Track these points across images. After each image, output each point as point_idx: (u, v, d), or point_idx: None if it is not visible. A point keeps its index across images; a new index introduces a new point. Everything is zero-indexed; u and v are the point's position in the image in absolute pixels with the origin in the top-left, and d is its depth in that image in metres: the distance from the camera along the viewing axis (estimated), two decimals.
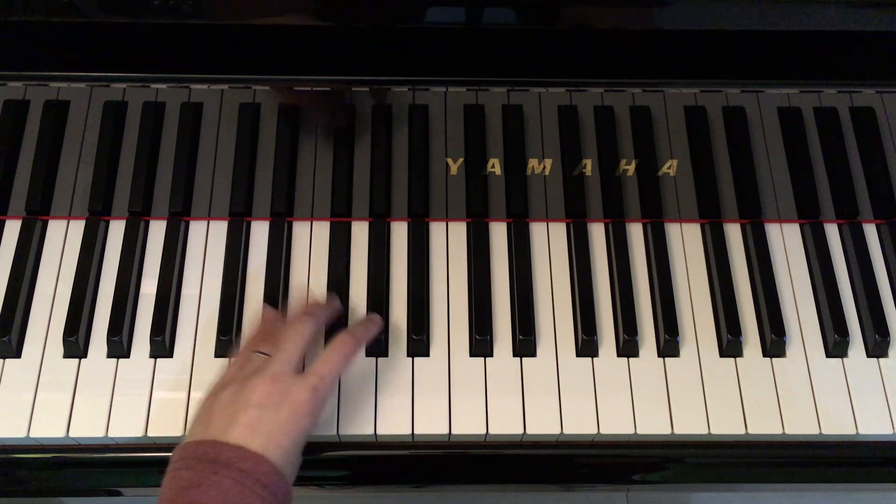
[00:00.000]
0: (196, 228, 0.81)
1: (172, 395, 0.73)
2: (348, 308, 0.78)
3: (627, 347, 0.76)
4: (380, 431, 0.72)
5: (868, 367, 0.77)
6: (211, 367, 0.74)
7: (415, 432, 0.72)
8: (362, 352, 0.75)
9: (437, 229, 0.82)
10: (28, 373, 0.74)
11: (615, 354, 0.76)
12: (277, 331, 0.70)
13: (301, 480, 0.65)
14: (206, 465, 0.60)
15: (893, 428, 0.74)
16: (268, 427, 0.62)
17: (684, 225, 0.83)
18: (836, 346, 0.77)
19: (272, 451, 0.61)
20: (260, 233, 0.81)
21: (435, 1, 0.67)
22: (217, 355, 0.75)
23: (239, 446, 0.60)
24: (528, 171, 0.78)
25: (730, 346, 0.77)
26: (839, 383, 0.76)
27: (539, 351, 0.76)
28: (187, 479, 0.59)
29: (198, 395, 0.73)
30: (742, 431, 0.73)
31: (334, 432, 0.72)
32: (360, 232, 0.81)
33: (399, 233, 0.81)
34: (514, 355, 0.76)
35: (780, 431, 0.73)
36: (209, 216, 0.81)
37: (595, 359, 0.76)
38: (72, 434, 0.71)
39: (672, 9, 0.67)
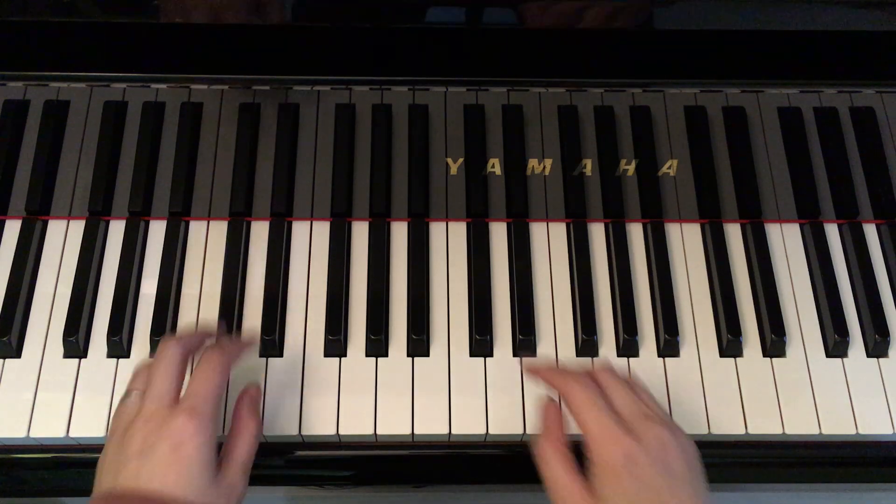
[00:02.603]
0: (196, 228, 0.81)
1: None
2: (349, 308, 0.78)
3: (627, 347, 0.76)
4: (380, 431, 0.72)
5: (868, 367, 0.77)
6: None
7: (415, 432, 0.72)
8: (360, 353, 0.75)
9: (437, 229, 0.82)
10: (28, 373, 0.74)
11: (615, 354, 0.76)
12: (148, 366, 0.65)
13: (301, 480, 0.65)
14: None
15: (893, 428, 0.74)
16: (149, 472, 0.58)
17: (684, 225, 0.83)
18: (836, 346, 0.77)
19: (171, 488, 0.57)
20: (260, 233, 0.81)
21: (435, 1, 0.67)
22: None
23: (141, 496, 0.57)
24: (528, 171, 0.78)
25: (730, 346, 0.77)
26: (839, 383, 0.76)
27: (539, 351, 0.76)
28: None
29: None
30: (742, 431, 0.73)
31: (334, 432, 0.72)
32: (360, 232, 0.81)
33: (399, 233, 0.81)
34: (515, 355, 0.76)
35: (780, 431, 0.73)
36: (209, 216, 0.81)
37: (595, 359, 0.76)
38: (72, 434, 0.71)
39: (672, 9, 0.67)
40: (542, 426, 0.67)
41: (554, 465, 0.63)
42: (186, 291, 0.78)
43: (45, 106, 0.75)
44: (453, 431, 0.72)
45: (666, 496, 0.58)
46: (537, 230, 0.82)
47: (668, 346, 0.76)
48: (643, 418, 0.62)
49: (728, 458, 0.75)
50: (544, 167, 0.78)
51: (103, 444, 0.72)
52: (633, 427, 0.61)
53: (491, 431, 0.72)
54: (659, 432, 0.61)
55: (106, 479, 0.60)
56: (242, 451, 0.64)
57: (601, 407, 0.63)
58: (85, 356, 0.75)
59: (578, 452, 0.63)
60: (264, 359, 0.75)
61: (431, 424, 0.72)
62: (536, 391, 0.74)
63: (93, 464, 0.73)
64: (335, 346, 0.75)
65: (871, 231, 0.83)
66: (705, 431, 0.73)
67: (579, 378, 0.65)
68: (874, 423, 0.74)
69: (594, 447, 0.61)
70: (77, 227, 0.80)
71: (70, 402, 0.72)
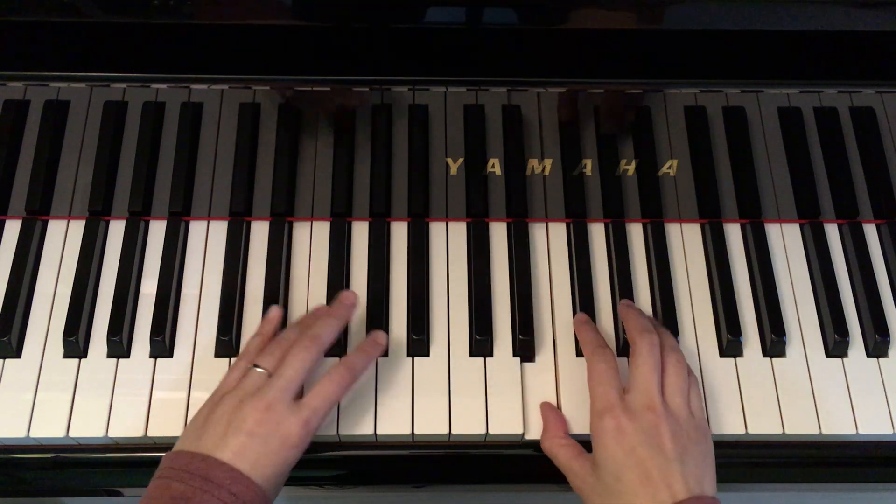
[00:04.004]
0: (196, 228, 0.81)
1: (172, 395, 0.73)
2: None
3: (627, 347, 0.76)
4: (380, 431, 0.72)
5: (868, 367, 0.77)
6: (211, 367, 0.74)
7: (415, 432, 0.72)
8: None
9: (437, 229, 0.82)
10: (28, 373, 0.74)
11: (615, 354, 0.76)
12: (281, 344, 0.68)
13: (301, 480, 0.65)
14: (197, 481, 0.60)
15: (893, 428, 0.74)
16: (255, 455, 0.62)
17: (684, 225, 0.83)
18: (836, 346, 0.77)
19: (260, 476, 0.61)
20: (260, 233, 0.81)
21: (435, 1, 0.67)
22: (217, 355, 0.75)
23: (232, 468, 0.61)
24: (528, 171, 0.78)
25: (730, 346, 0.77)
26: (839, 383, 0.76)
27: (539, 351, 0.76)
28: (178, 491, 0.59)
29: (198, 394, 0.73)
30: (742, 431, 0.73)
31: (334, 432, 0.72)
32: (360, 232, 0.81)
33: (399, 233, 0.81)
34: (515, 355, 0.76)
35: (780, 431, 0.73)
36: (209, 216, 0.81)
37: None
38: (72, 434, 0.71)
39: (672, 9, 0.67)
40: (543, 427, 0.73)
41: (559, 454, 0.70)
42: (186, 291, 0.78)
43: (45, 106, 0.75)
44: (453, 431, 0.72)
45: (650, 468, 0.63)
46: (537, 230, 0.82)
47: None
48: (648, 404, 0.66)
49: (728, 458, 0.75)
50: (544, 167, 0.78)
51: (103, 444, 0.72)
52: (635, 409, 0.66)
53: (491, 431, 0.72)
54: (658, 419, 0.65)
55: (212, 432, 0.63)
56: (324, 399, 0.67)
57: (611, 383, 0.68)
58: (85, 356, 0.75)
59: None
60: None
61: (431, 424, 0.72)
62: (537, 391, 0.74)
63: (93, 464, 0.73)
64: (335, 346, 0.74)
65: (871, 231, 0.83)
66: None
67: (604, 355, 0.70)
68: (874, 423, 0.74)
69: (593, 416, 0.67)
70: (77, 227, 0.80)
71: (70, 402, 0.72)
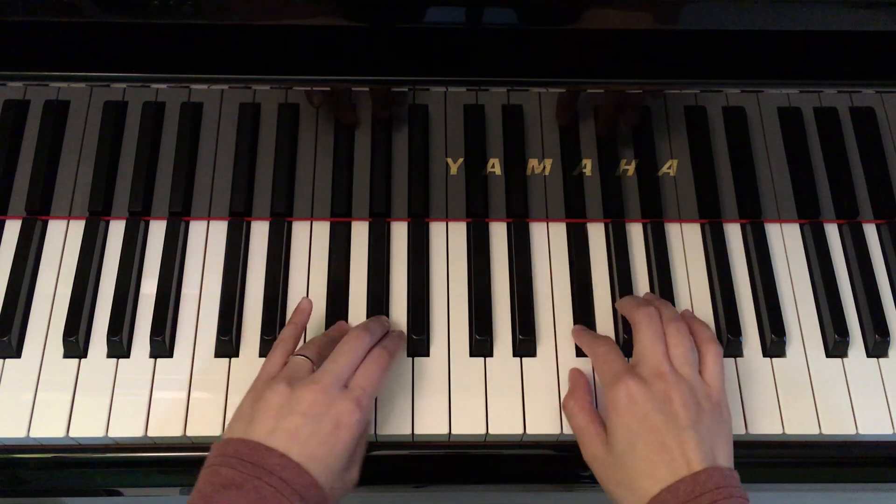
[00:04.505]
0: (196, 228, 0.81)
1: (172, 395, 0.73)
2: (349, 309, 0.78)
3: (627, 347, 0.76)
4: (380, 431, 0.72)
5: (868, 367, 0.77)
6: (211, 367, 0.74)
7: (415, 432, 0.72)
8: None
9: (437, 229, 0.82)
10: (28, 373, 0.74)
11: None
12: (326, 335, 0.71)
13: None
14: (248, 468, 0.60)
15: (893, 428, 0.74)
16: (307, 436, 0.62)
17: (684, 225, 0.83)
18: (836, 346, 0.77)
19: (311, 462, 0.61)
20: (260, 233, 0.81)
21: (435, 1, 0.67)
22: (217, 355, 0.75)
23: (282, 454, 0.61)
24: (528, 171, 0.78)
25: (730, 346, 0.77)
26: (839, 383, 0.76)
27: (539, 351, 0.76)
28: (228, 477, 0.59)
29: (198, 394, 0.73)
30: (742, 431, 0.73)
31: None
32: (360, 232, 0.81)
33: (399, 233, 0.81)
34: (515, 355, 0.76)
35: (780, 431, 0.73)
36: (209, 216, 0.81)
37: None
38: (72, 434, 0.71)
39: (672, 9, 0.67)
40: (569, 388, 0.73)
41: (577, 414, 0.70)
42: (186, 291, 0.78)
43: (45, 106, 0.75)
44: (453, 431, 0.72)
45: (665, 435, 0.63)
46: (537, 230, 0.82)
47: None
48: (657, 371, 0.66)
49: None
50: (544, 167, 0.78)
51: (103, 444, 0.72)
52: (645, 374, 0.66)
53: (491, 431, 0.72)
54: (669, 385, 0.65)
55: (263, 416, 0.63)
56: (363, 453, 0.69)
57: (616, 359, 0.69)
58: (85, 356, 0.75)
59: None
60: (264, 359, 0.75)
61: (431, 424, 0.72)
62: (537, 391, 0.74)
63: (93, 464, 0.73)
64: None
65: (871, 231, 0.83)
66: None
67: (603, 339, 0.72)
68: (874, 423, 0.74)
69: (605, 390, 0.67)
70: (77, 227, 0.80)
71: (70, 402, 0.72)
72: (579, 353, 0.76)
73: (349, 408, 0.64)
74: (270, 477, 0.59)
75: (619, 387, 0.65)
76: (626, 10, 0.67)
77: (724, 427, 0.66)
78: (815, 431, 0.74)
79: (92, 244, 0.79)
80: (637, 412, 0.64)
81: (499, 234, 0.82)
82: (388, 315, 0.77)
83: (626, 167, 0.78)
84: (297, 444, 0.61)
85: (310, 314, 0.74)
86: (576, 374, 0.74)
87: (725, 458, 0.64)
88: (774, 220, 0.83)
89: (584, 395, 0.71)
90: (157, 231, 0.80)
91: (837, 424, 0.74)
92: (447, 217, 0.82)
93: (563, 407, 0.72)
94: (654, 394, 0.64)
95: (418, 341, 0.75)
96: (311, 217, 0.81)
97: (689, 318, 0.73)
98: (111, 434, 0.71)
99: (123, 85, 0.72)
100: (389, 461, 0.75)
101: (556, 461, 0.75)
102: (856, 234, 0.82)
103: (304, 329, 0.74)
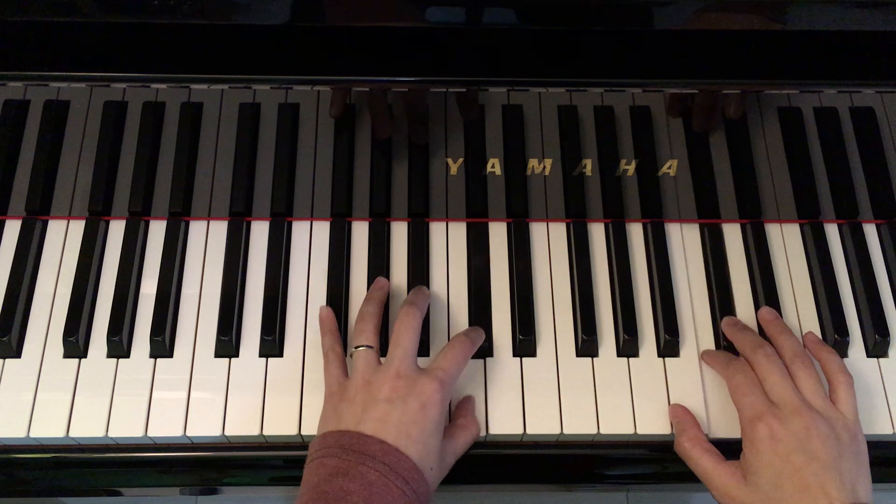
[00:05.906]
0: (196, 228, 0.81)
1: (172, 395, 0.73)
2: (349, 309, 0.78)
3: (627, 347, 0.76)
4: None
5: (868, 367, 0.77)
6: (211, 367, 0.74)
7: None
8: None
9: (437, 229, 0.82)
10: (28, 373, 0.74)
11: (615, 354, 0.76)
12: (366, 319, 0.71)
13: (299, 480, 0.65)
14: (351, 455, 0.61)
15: (893, 428, 0.74)
16: (398, 420, 0.63)
17: (684, 225, 0.83)
18: (836, 346, 0.77)
19: (407, 444, 0.62)
20: (260, 233, 0.81)
21: (435, 1, 0.67)
22: (217, 355, 0.75)
23: (381, 440, 0.62)
24: (528, 171, 0.78)
25: (730, 346, 0.77)
26: None
27: (539, 351, 0.76)
28: (334, 466, 0.60)
29: (198, 395, 0.73)
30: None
31: None
32: (360, 232, 0.81)
33: (399, 233, 0.81)
34: (514, 355, 0.76)
35: None
36: (209, 216, 0.81)
37: (595, 359, 0.76)
38: (72, 434, 0.71)
39: (672, 9, 0.67)
40: (676, 428, 0.72)
41: (699, 457, 0.69)
42: (186, 291, 0.78)
43: (45, 106, 0.75)
44: None
45: (807, 475, 0.63)
46: (537, 230, 0.82)
47: (668, 346, 0.76)
48: (792, 408, 0.66)
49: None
50: (544, 167, 0.78)
51: (103, 444, 0.72)
52: (783, 412, 0.66)
53: (491, 431, 0.72)
54: (807, 421, 0.65)
55: (348, 411, 0.64)
56: (463, 443, 0.70)
57: (755, 392, 0.69)
58: (85, 356, 0.75)
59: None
60: (264, 359, 0.75)
61: None
62: (537, 391, 0.74)
63: (93, 464, 0.73)
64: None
65: (871, 231, 0.83)
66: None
67: (740, 366, 0.71)
68: (874, 423, 0.74)
69: (744, 426, 0.68)
70: (77, 227, 0.80)
71: (70, 402, 0.72)
72: (580, 352, 0.76)
73: (433, 388, 0.65)
74: (374, 462, 0.60)
75: (761, 425, 0.66)
76: (625, 10, 0.67)
77: (863, 458, 0.67)
78: None
79: (92, 244, 0.79)
80: (780, 451, 0.64)
81: (499, 234, 0.81)
82: (387, 315, 0.77)
83: (626, 167, 0.78)
84: (390, 428, 0.62)
85: (335, 323, 0.75)
86: (680, 411, 0.73)
87: (865, 492, 0.65)
88: (774, 220, 0.83)
89: (699, 433, 0.71)
90: (157, 231, 0.80)
91: None
92: (447, 217, 0.82)
93: (677, 449, 0.71)
94: (795, 432, 0.65)
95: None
96: (311, 217, 0.81)
97: (814, 346, 0.74)
98: (111, 434, 0.71)
99: (123, 85, 0.72)
100: None
101: (556, 461, 0.75)
102: (856, 234, 0.82)
103: (337, 335, 0.74)
